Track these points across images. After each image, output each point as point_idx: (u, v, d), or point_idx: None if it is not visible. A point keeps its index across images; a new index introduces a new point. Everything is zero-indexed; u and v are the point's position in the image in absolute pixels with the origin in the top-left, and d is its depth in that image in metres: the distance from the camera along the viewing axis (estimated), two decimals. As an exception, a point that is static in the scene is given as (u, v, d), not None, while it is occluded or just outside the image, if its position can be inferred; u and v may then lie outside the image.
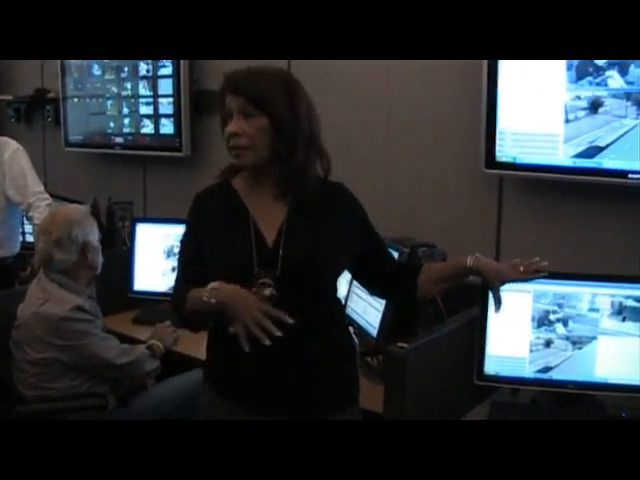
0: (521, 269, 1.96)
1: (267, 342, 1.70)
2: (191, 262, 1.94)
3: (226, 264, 1.85)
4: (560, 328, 2.27)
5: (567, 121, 2.67)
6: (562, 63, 2.64)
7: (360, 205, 1.99)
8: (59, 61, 4.68)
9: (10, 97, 5.18)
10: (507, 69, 2.79)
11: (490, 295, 2.04)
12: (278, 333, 1.71)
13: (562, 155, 2.70)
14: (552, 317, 2.27)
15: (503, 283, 1.95)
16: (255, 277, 1.81)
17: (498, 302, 1.97)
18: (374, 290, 2.19)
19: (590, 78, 2.59)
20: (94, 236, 2.75)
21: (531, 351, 2.30)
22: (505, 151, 2.84)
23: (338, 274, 1.99)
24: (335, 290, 2.00)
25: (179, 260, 2.03)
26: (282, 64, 3.43)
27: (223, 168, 1.95)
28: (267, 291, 1.80)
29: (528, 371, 2.30)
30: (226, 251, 1.87)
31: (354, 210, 1.98)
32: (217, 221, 1.91)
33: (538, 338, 2.29)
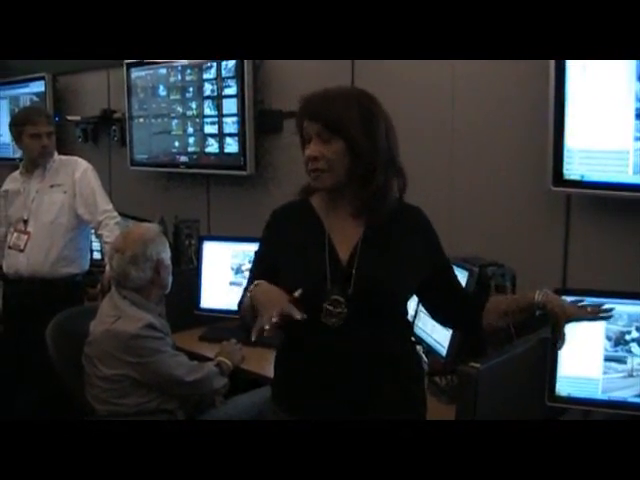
0: (589, 310, 1.97)
1: (268, 329, 1.65)
2: (262, 275, 1.95)
3: (299, 279, 1.87)
4: (635, 348, 2.23)
5: (637, 138, 2.62)
6: (632, 78, 2.59)
7: (434, 231, 2.01)
8: (125, 82, 4.80)
9: (78, 118, 5.33)
10: (575, 85, 2.75)
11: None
12: (299, 316, 1.68)
13: (632, 172, 2.65)
14: (627, 338, 2.23)
15: (568, 321, 1.94)
16: (328, 293, 1.83)
17: (561, 339, 1.95)
18: (437, 316, 2.17)
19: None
20: (166, 254, 2.80)
21: (604, 372, 2.26)
22: (573, 168, 2.79)
23: (408, 295, 2.00)
24: (405, 311, 2.01)
25: (250, 272, 2.06)
26: (346, 65, 3.54)
27: (302, 186, 1.98)
28: (338, 308, 1.82)
29: (601, 393, 2.26)
30: (300, 266, 1.89)
31: (428, 235, 1.99)
32: (293, 236, 1.94)
33: (611, 359, 2.25)
